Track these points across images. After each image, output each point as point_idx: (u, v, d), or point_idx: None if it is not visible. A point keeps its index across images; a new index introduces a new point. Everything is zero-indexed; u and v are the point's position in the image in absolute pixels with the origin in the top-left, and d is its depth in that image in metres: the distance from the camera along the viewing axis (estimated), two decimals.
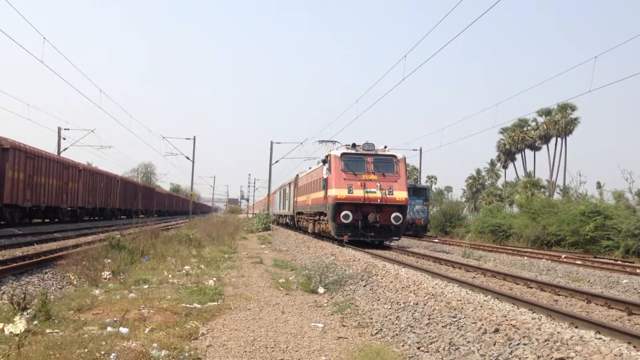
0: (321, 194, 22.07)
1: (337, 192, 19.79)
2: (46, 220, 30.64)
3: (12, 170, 23.27)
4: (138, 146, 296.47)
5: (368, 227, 19.88)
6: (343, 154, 20.49)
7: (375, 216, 19.71)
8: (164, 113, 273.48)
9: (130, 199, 47.91)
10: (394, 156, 20.77)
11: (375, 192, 19.73)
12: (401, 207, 20.07)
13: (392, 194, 19.84)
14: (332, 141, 26.37)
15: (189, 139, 48.33)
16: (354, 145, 20.97)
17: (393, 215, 19.72)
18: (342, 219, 19.59)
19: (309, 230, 27.25)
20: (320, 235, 24.49)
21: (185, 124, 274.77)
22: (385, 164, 20.42)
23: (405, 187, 20.42)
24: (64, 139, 42.72)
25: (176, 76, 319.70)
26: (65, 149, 42.70)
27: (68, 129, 43.28)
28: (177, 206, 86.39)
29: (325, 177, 21.27)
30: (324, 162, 21.80)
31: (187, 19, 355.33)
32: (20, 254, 13.78)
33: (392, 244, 22.19)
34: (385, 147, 21.10)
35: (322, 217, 22.82)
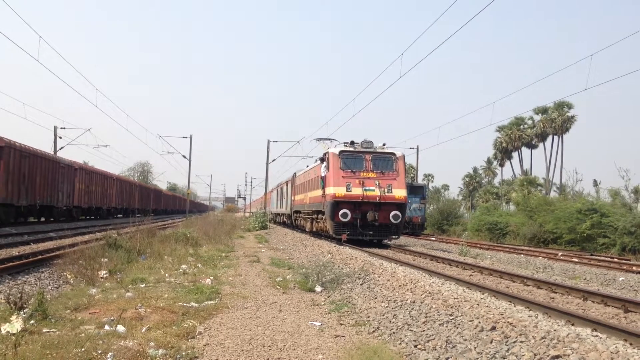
0: (319, 192, 21.94)
1: (336, 190, 19.60)
2: (90, 217, 40.12)
3: (78, 183, 33.98)
4: (134, 145, 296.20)
5: (367, 225, 19.70)
6: (341, 152, 20.31)
7: (374, 214, 19.53)
8: (161, 112, 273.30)
9: (145, 200, 57.54)
10: (393, 154, 20.61)
11: (374, 190, 19.56)
12: (400, 206, 19.91)
13: (391, 192, 19.69)
14: (329, 139, 26.24)
15: (186, 137, 48.44)
16: (352, 143, 20.80)
17: (392, 213, 19.56)
18: (340, 218, 19.43)
19: (307, 229, 27.11)
20: (318, 234, 24.34)
21: (182, 123, 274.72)
22: (384, 161, 20.25)
23: (404, 185, 20.26)
24: (60, 137, 42.62)
25: (173, 75, 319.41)
26: (62, 148, 42.59)
27: (64, 128, 43.22)
28: (174, 205, 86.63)
29: (323, 175, 21.07)
30: (322, 160, 21.58)
31: (185, 18, 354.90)
32: (17, 254, 13.74)
33: (390, 242, 22.03)
34: (384, 145, 20.93)
35: (320, 216, 22.68)
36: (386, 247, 20.73)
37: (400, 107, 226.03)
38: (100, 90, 31.56)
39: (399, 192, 19.86)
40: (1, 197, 22.67)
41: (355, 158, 20.17)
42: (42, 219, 30.34)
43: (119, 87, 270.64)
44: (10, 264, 11.72)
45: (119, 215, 46.15)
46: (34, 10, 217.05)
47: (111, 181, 42.80)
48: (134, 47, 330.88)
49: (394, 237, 20.89)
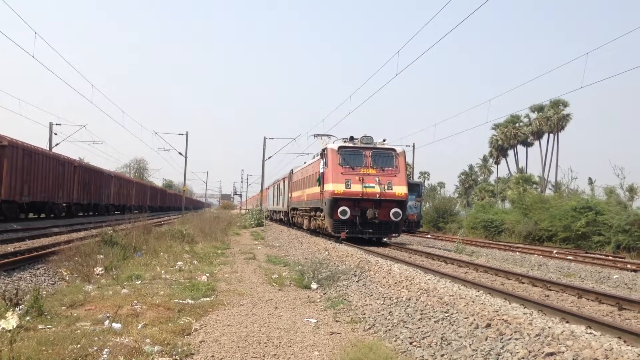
0: (317, 189, 21.54)
1: (334, 186, 19.18)
2: (117, 212, 47.54)
3: (113, 187, 44.59)
4: (130, 142, 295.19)
5: (366, 223, 19.28)
6: (340, 148, 19.85)
7: (373, 212, 19.10)
8: (157, 109, 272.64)
9: (154, 198, 68.36)
10: (393, 150, 20.16)
11: (373, 187, 19.12)
12: (401, 203, 19.48)
13: (392, 189, 19.25)
14: (327, 135, 25.88)
15: (182, 134, 48.25)
16: (351, 139, 20.30)
17: (392, 211, 19.15)
18: (339, 215, 18.99)
19: (304, 227, 26.80)
20: (316, 232, 24.04)
21: (178, 120, 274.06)
22: (384, 157, 19.79)
23: (404, 182, 19.78)
24: (56, 134, 42.46)
25: (170, 73, 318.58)
26: (57, 144, 42.47)
27: (60, 124, 43.08)
28: (171, 202, 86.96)
29: (321, 171, 20.61)
30: (321, 155, 21.08)
31: (182, 17, 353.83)
32: (12, 250, 13.71)
33: (390, 240, 21.46)
34: (384, 141, 20.49)
35: (318, 213, 22.32)
36: (385, 245, 20.31)
37: (397, 105, 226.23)
38: (96, 86, 31.63)
39: (400, 189, 19.42)
40: (76, 198, 34.43)
41: (354, 154, 19.72)
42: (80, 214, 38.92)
43: (116, 84, 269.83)
44: (6, 260, 11.68)
45: (135, 212, 51.46)
46: (30, 7, 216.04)
47: (132, 184, 55.02)
48: (133, 45, 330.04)
49: (394, 235, 20.35)
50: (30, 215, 29.78)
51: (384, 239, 21.10)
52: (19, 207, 26.35)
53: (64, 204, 32.91)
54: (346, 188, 19.18)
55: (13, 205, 25.31)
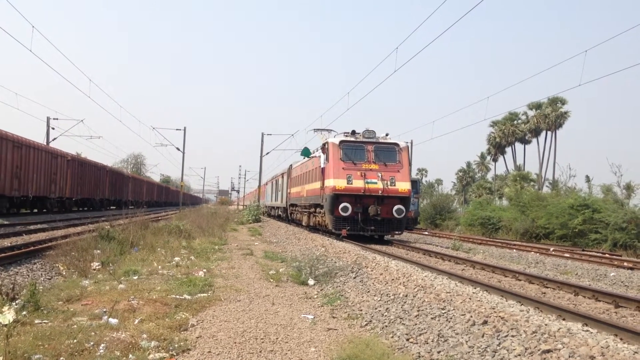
0: (317, 184, 21.17)
1: (336, 182, 18.77)
2: (132, 206, 50.28)
3: (131, 185, 54.16)
4: (128, 137, 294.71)
5: (368, 220, 18.87)
6: (342, 142, 19.41)
7: (376, 209, 18.70)
8: (155, 104, 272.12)
9: (159, 194, 78.41)
10: (397, 144, 19.71)
11: (376, 183, 18.73)
12: (404, 199, 19.09)
13: (395, 185, 18.84)
14: (327, 130, 25.61)
15: (179, 129, 48.24)
16: (353, 133, 19.82)
17: (395, 207, 18.73)
18: (340, 212, 18.57)
19: (304, 223, 26.44)
20: (315, 229, 23.71)
21: (176, 115, 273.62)
22: (387, 152, 19.36)
23: (408, 178, 19.37)
24: (53, 128, 42.39)
25: (169, 69, 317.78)
26: (54, 139, 42.42)
27: (57, 119, 43.07)
28: (171, 197, 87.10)
29: (322, 166, 20.18)
30: (322, 150, 20.61)
31: (180, 14, 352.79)
32: (9, 244, 13.67)
33: (392, 238, 21.06)
34: (387, 135, 20.07)
35: (318, 210, 21.94)
36: (384, 242, 19.91)
37: (395, 102, 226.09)
38: (93, 81, 31.75)
39: (403, 185, 19.00)
40: (107, 195, 43.60)
41: (356, 149, 19.27)
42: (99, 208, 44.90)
43: (113, 78, 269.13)
44: (2, 254, 11.65)
45: (144, 206, 56.52)
46: (28, 1, 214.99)
47: (143, 183, 65.53)
48: (133, 41, 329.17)
49: (396, 232, 19.93)
50: (74, 208, 37.82)
51: (386, 237, 20.61)
52: (75, 202, 36.86)
53: (99, 200, 42.33)
54: (347, 184, 18.74)
55: (71, 201, 35.74)
